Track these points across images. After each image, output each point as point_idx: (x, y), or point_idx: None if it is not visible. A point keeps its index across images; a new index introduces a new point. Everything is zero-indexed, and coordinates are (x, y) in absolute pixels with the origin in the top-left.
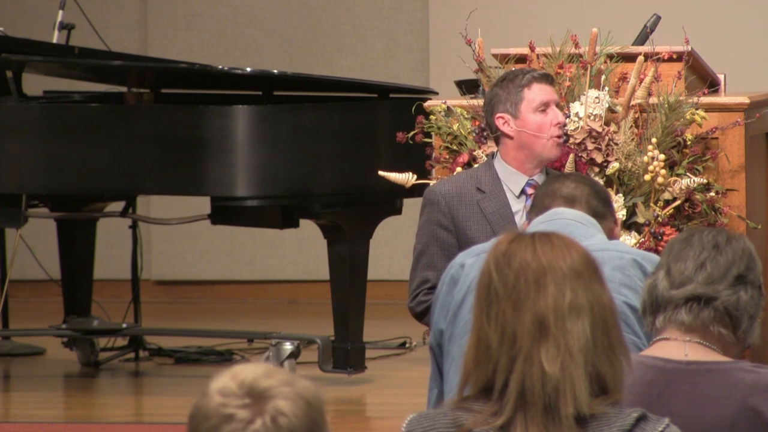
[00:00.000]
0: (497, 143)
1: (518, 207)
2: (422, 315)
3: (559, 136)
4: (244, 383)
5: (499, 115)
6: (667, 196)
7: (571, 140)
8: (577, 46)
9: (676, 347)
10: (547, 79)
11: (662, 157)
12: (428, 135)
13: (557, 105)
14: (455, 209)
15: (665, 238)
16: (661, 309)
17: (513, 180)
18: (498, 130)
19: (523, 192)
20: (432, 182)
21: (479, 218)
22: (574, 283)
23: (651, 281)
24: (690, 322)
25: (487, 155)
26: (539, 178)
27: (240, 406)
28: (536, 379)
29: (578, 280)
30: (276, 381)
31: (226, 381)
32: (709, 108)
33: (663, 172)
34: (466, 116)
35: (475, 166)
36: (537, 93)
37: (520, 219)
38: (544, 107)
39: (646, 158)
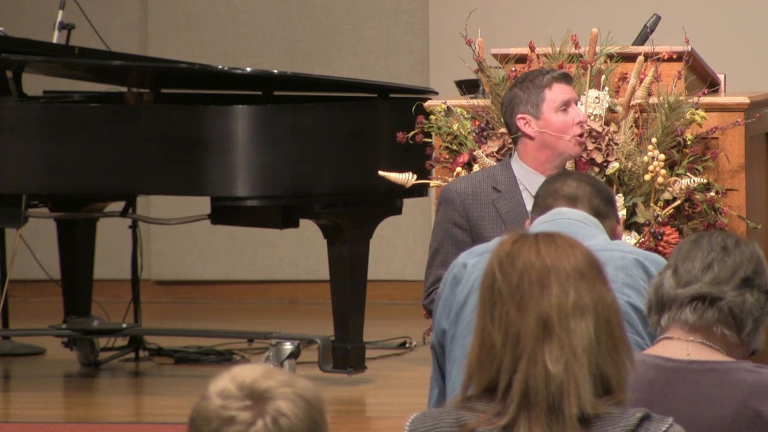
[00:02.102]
0: (515, 144)
1: None
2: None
3: (581, 135)
4: (244, 385)
5: (520, 116)
6: (667, 196)
7: None
8: (577, 46)
9: (679, 346)
10: (566, 78)
11: (662, 157)
12: (428, 135)
13: (578, 104)
14: (470, 208)
15: (665, 238)
16: (666, 308)
17: (530, 180)
18: (519, 130)
19: None
20: (432, 182)
21: (494, 218)
22: (578, 283)
23: (658, 280)
24: (694, 321)
25: (487, 155)
26: None
27: (241, 408)
28: (540, 379)
29: (582, 281)
30: (276, 382)
31: (225, 383)
32: (709, 108)
33: (663, 172)
34: (466, 116)
35: (492, 165)
36: (557, 93)
37: None
38: (565, 106)
39: (646, 158)
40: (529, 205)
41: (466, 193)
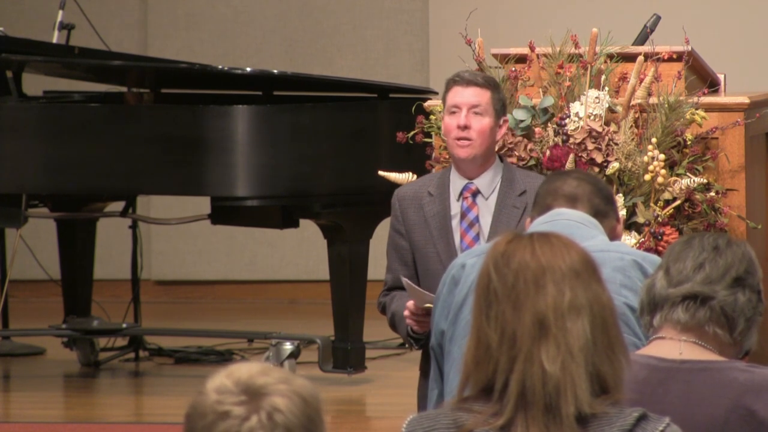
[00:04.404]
0: None
1: (456, 210)
2: (382, 313)
3: (460, 138)
4: (240, 381)
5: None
6: (667, 196)
7: (571, 140)
8: (577, 46)
9: (672, 346)
10: (468, 81)
11: (662, 157)
12: (428, 135)
13: (476, 107)
14: (405, 212)
15: (665, 238)
16: (658, 307)
17: (456, 183)
18: None
19: (461, 195)
20: None
21: (422, 221)
22: (574, 282)
23: (649, 281)
24: (686, 321)
25: None
26: (480, 182)
27: (236, 403)
28: (537, 378)
29: (577, 280)
30: (272, 378)
31: (222, 379)
32: (709, 108)
33: (663, 172)
34: None
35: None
36: (451, 96)
37: (457, 223)
38: (455, 109)
39: (646, 158)
40: (453, 207)
41: (405, 198)
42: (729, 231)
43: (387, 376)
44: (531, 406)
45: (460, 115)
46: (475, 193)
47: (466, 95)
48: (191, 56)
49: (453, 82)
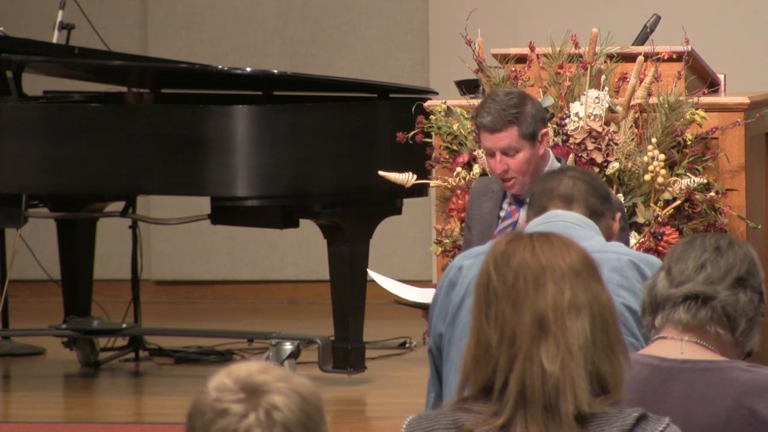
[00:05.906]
0: None
1: (505, 211)
2: None
3: (506, 180)
4: (239, 379)
5: None
6: (667, 196)
7: (571, 140)
8: (577, 46)
9: (673, 346)
10: (492, 129)
11: (662, 157)
12: (428, 135)
13: (507, 150)
14: (472, 205)
15: (665, 238)
16: (659, 308)
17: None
18: None
19: (511, 200)
20: (432, 182)
21: (479, 216)
22: (574, 281)
23: (651, 281)
24: (687, 321)
25: None
26: (526, 193)
27: (234, 401)
28: (536, 377)
29: (577, 279)
30: (271, 377)
31: (221, 378)
32: (709, 108)
33: (663, 172)
34: (466, 116)
35: None
36: (483, 139)
37: (501, 221)
38: (491, 152)
39: (646, 158)
40: (505, 207)
41: (476, 191)
42: (729, 231)
43: (387, 376)
44: (530, 405)
45: (497, 162)
46: (521, 199)
47: (494, 141)
48: (191, 56)
49: (480, 125)
